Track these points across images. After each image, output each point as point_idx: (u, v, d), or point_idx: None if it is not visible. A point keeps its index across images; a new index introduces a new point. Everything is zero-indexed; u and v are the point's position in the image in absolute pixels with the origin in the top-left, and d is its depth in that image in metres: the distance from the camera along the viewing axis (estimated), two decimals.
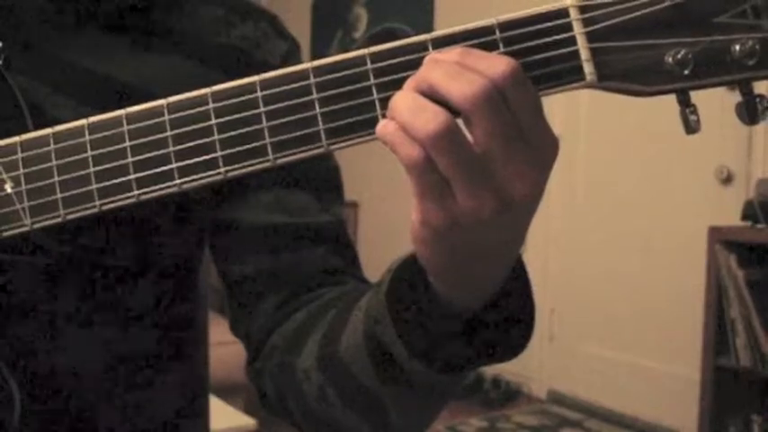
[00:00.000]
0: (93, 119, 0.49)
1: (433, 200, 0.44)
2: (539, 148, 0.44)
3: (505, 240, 0.47)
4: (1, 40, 0.59)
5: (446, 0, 4.03)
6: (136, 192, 0.48)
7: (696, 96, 0.48)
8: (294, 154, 0.47)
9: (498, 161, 0.43)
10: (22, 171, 0.50)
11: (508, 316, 0.51)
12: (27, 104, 0.58)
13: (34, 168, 0.50)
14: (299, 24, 4.58)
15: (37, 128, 0.52)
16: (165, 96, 0.51)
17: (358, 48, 0.50)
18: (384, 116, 0.45)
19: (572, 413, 3.31)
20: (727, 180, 2.83)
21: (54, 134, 0.50)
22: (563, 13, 0.45)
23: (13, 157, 0.50)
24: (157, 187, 0.48)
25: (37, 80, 0.61)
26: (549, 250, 3.49)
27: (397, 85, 0.45)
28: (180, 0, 0.69)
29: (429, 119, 0.42)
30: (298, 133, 0.47)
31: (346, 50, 0.47)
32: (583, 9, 0.45)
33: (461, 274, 0.48)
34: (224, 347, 1.55)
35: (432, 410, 0.60)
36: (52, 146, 0.49)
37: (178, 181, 0.48)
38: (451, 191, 0.43)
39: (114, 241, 0.62)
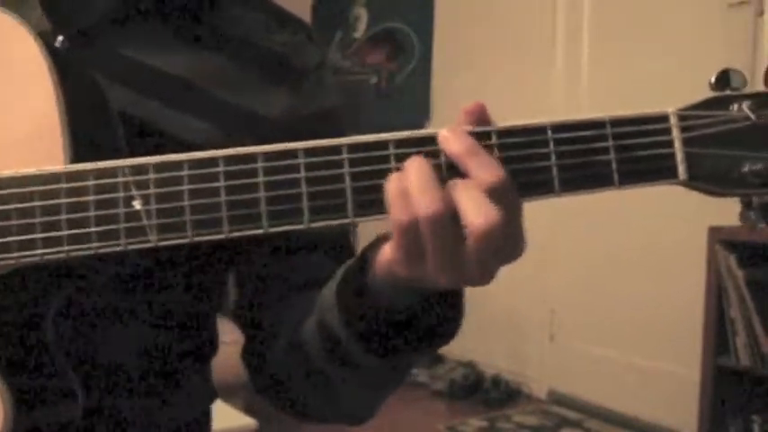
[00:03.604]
0: (227, 151, 0.52)
1: (407, 255, 0.50)
2: (511, 250, 0.50)
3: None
4: (63, 34, 0.63)
5: (446, 0, 4.03)
6: (265, 224, 0.51)
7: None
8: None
9: (473, 259, 0.48)
10: (153, 191, 0.52)
11: (439, 315, 0.57)
12: None
13: (165, 189, 0.52)
14: None
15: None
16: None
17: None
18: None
19: (572, 413, 3.32)
20: None
21: (188, 161, 0.52)
22: (664, 118, 0.52)
23: (144, 177, 0.52)
24: (284, 221, 0.51)
25: (95, 72, 0.63)
26: (549, 250, 3.49)
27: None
28: (226, 3, 0.73)
29: (431, 201, 0.47)
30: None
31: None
32: (682, 117, 0.52)
33: (406, 290, 0.54)
34: (224, 347, 1.54)
35: (378, 392, 0.66)
36: (186, 171, 0.52)
37: (306, 217, 0.51)
38: (424, 257, 0.49)
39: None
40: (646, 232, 3.11)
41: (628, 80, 3.09)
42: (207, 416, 0.77)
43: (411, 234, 0.48)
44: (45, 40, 0.56)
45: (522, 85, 3.50)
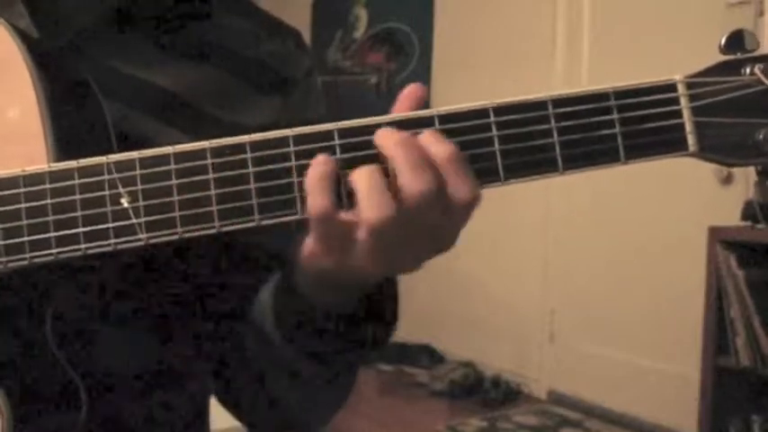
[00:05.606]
0: (215, 142, 0.50)
1: (331, 248, 0.50)
2: (441, 246, 0.50)
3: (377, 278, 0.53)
4: (50, 43, 0.61)
5: (446, 0, 4.03)
6: (257, 217, 0.50)
7: None
8: None
9: (405, 249, 0.49)
10: (140, 187, 0.50)
11: (373, 316, 0.57)
12: None
13: (152, 185, 0.50)
14: (299, 24, 4.57)
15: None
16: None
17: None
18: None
19: (572, 413, 3.32)
20: (727, 180, 2.83)
21: (175, 154, 0.50)
22: (671, 86, 0.49)
23: (131, 173, 0.50)
24: (277, 214, 0.50)
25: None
26: (549, 250, 3.49)
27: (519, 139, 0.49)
28: (217, 13, 0.71)
29: (382, 205, 0.47)
30: None
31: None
32: (689, 85, 0.49)
33: (336, 286, 0.53)
34: None
35: (318, 398, 0.66)
36: (173, 165, 0.50)
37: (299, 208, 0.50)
38: (351, 247, 0.49)
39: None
40: (646, 232, 3.11)
41: (628, 80, 3.09)
42: (206, 415, 0.77)
43: (328, 224, 0.48)
44: (31, 45, 0.55)
45: (522, 85, 3.49)
